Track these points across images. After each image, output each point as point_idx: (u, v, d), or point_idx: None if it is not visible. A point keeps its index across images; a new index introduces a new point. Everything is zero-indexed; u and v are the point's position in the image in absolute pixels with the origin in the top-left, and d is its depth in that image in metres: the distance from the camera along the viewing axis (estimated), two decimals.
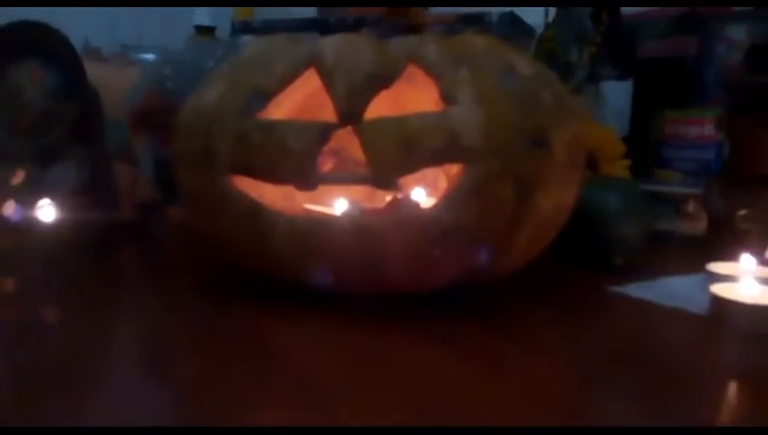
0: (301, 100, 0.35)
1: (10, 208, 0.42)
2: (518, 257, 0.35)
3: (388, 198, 0.34)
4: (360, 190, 0.38)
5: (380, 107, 0.33)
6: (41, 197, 0.42)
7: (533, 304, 0.37)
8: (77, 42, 0.50)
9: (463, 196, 0.31)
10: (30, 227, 0.42)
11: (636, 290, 0.40)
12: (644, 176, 0.69)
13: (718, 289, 0.35)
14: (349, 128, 0.32)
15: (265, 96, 0.33)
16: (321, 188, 0.32)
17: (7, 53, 0.42)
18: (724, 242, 0.45)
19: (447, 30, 0.88)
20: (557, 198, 0.35)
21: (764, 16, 0.71)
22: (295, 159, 0.32)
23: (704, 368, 0.30)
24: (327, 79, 0.33)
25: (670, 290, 0.40)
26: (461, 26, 0.88)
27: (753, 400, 0.27)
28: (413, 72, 0.33)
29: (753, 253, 0.41)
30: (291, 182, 0.32)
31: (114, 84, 0.71)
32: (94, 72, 0.74)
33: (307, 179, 0.32)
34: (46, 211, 0.42)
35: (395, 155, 0.31)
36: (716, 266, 0.40)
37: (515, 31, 0.88)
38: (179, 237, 0.49)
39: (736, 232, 0.46)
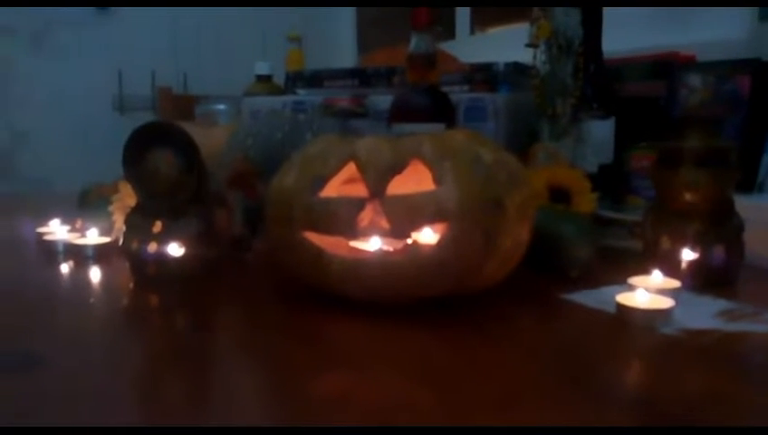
0: (345, 180, 0.54)
1: (153, 248, 0.63)
2: (490, 278, 0.54)
3: (401, 244, 0.53)
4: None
5: (396, 186, 0.52)
6: (172, 240, 0.63)
7: (503, 308, 0.56)
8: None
9: (448, 242, 0.50)
10: (166, 261, 0.63)
11: (579, 297, 0.59)
12: (617, 201, 0.87)
13: (621, 297, 0.53)
14: (376, 200, 0.51)
15: (323, 180, 0.53)
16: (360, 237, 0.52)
17: (148, 143, 0.63)
18: (651, 259, 0.63)
19: (463, 79, 1.06)
20: (513, 239, 0.53)
21: (715, 69, 0.87)
22: (343, 221, 0.51)
23: (607, 353, 0.48)
24: (362, 169, 0.52)
25: (603, 297, 0.58)
26: (474, 75, 1.07)
27: (637, 374, 0.45)
28: (416, 163, 0.52)
29: (663, 269, 0.59)
30: (341, 235, 0.52)
31: (204, 142, 0.92)
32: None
33: (351, 233, 0.52)
34: (176, 250, 0.63)
35: (405, 218, 0.50)
36: (634, 279, 0.58)
37: (519, 75, 1.05)
38: (262, 264, 0.69)
39: (659, 252, 0.63)
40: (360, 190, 0.52)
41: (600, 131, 0.92)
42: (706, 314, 0.54)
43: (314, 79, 1.18)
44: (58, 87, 2.20)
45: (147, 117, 2.28)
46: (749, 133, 0.81)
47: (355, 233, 0.52)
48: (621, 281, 0.60)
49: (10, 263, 0.75)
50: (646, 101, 0.97)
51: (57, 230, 0.82)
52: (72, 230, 0.82)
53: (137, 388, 0.42)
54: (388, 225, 0.51)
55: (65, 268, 0.71)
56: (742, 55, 0.88)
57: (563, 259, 0.64)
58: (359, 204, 0.52)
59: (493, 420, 0.36)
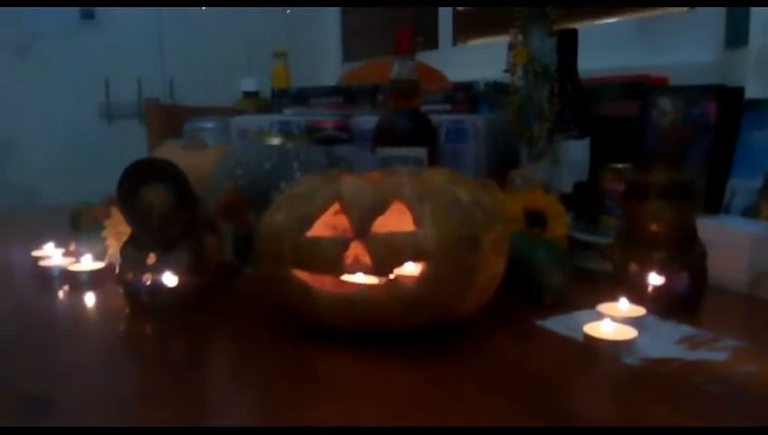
0: (330, 219, 0.57)
1: (147, 279, 0.66)
2: (467, 309, 0.58)
3: (384, 280, 0.56)
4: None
5: (379, 225, 0.55)
6: (166, 271, 0.66)
7: (479, 337, 0.59)
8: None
9: (427, 280, 0.54)
10: (160, 290, 0.66)
11: (552, 323, 0.62)
12: (590, 221, 0.90)
13: (588, 328, 0.56)
14: (360, 240, 0.55)
15: (310, 220, 0.56)
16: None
17: (141, 179, 0.66)
18: (620, 283, 0.67)
19: (444, 99, 1.10)
20: (489, 273, 0.57)
21: (684, 94, 0.91)
22: (329, 260, 0.55)
23: (573, 383, 0.51)
24: (346, 209, 0.56)
25: (573, 323, 0.61)
26: (455, 94, 1.10)
27: (597, 406, 0.49)
28: (397, 205, 0.55)
29: (630, 293, 0.63)
30: (327, 273, 0.55)
31: (194, 165, 0.94)
32: (175, 157, 0.98)
33: (337, 271, 0.55)
34: (170, 279, 0.66)
35: (386, 257, 0.54)
36: (602, 307, 0.62)
37: (499, 94, 1.09)
38: (252, 292, 0.72)
39: (627, 277, 0.67)
40: (343, 227, 0.56)
41: (576, 151, 0.95)
42: (668, 341, 0.57)
43: (300, 97, 1.21)
44: (44, 96, 2.20)
45: (134, 124, 2.31)
46: (716, 157, 0.85)
47: (340, 270, 0.55)
48: (593, 304, 0.63)
49: (8, 290, 0.77)
50: (619, 121, 1.01)
51: (52, 254, 0.84)
52: (67, 254, 0.84)
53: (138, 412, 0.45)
54: (371, 262, 0.54)
55: (62, 295, 0.74)
56: (711, 79, 0.92)
57: (538, 286, 0.68)
58: (343, 243, 0.55)
59: None
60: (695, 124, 0.88)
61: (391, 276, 0.55)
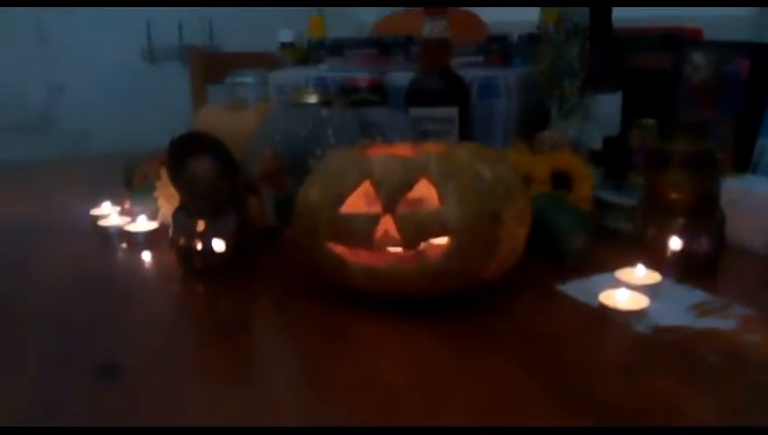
0: (362, 196, 0.62)
1: (198, 244, 0.72)
2: (489, 278, 0.62)
3: (412, 252, 0.61)
4: None
5: (407, 202, 0.59)
6: (215, 236, 0.72)
7: (500, 301, 0.63)
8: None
9: (451, 253, 0.58)
10: (210, 253, 0.72)
11: (571, 288, 0.66)
12: (619, 178, 0.92)
13: (604, 296, 0.60)
14: (389, 215, 0.59)
15: (342, 197, 0.61)
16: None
17: (188, 151, 0.71)
18: (641, 246, 0.70)
19: (477, 51, 1.10)
20: (510, 245, 0.61)
21: (718, 49, 0.91)
22: (361, 234, 0.59)
23: (585, 353, 0.56)
24: (376, 187, 0.60)
25: (591, 288, 0.65)
26: (488, 46, 1.11)
27: (605, 378, 0.53)
28: (423, 182, 0.59)
29: (650, 257, 0.66)
30: (359, 247, 0.60)
31: (235, 126, 0.99)
32: (218, 119, 1.03)
33: (368, 245, 0.60)
34: (218, 244, 0.72)
35: (414, 232, 0.58)
36: (620, 273, 0.65)
37: (533, 45, 1.09)
38: (292, 254, 0.77)
39: (648, 241, 0.70)
40: (375, 204, 0.60)
41: (608, 105, 0.96)
42: (680, 308, 0.61)
43: (335, 48, 1.23)
44: (90, 41, 2.26)
45: (176, 66, 2.35)
46: (746, 115, 0.86)
47: (372, 244, 0.60)
48: (614, 267, 0.67)
49: (73, 249, 0.85)
50: (652, 73, 1.01)
51: (109, 212, 0.91)
52: (123, 213, 0.91)
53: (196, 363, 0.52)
54: (400, 237, 0.59)
55: (121, 255, 0.81)
56: (746, 34, 0.90)
57: (560, 249, 0.71)
58: (374, 219, 0.59)
59: (475, 421, 0.45)
60: (727, 80, 0.88)
61: (420, 248, 0.60)
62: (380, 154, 0.63)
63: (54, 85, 2.28)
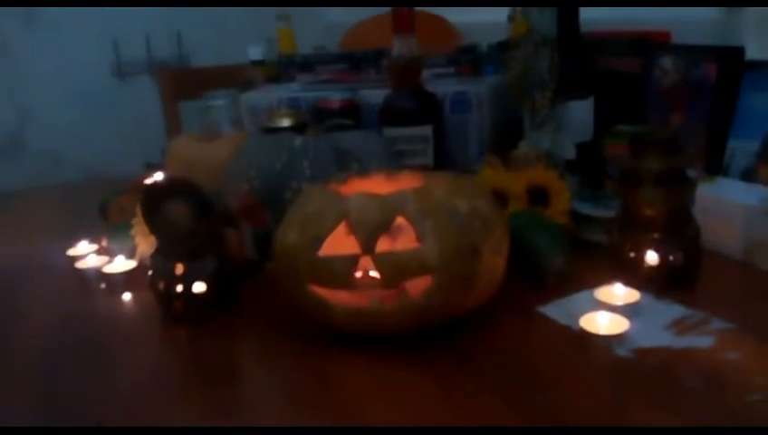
0: (341, 233, 0.62)
1: (178, 287, 0.71)
2: (472, 305, 0.63)
3: (393, 291, 0.61)
4: None
5: (384, 242, 0.59)
6: (194, 279, 0.71)
7: (481, 328, 0.64)
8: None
9: (432, 291, 0.58)
10: (191, 296, 0.71)
11: (552, 310, 0.67)
12: (595, 187, 0.93)
13: (584, 320, 0.61)
14: (368, 256, 0.59)
15: (320, 239, 0.61)
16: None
17: (164, 196, 0.70)
18: (618, 261, 0.71)
19: (448, 62, 1.10)
20: (489, 277, 0.62)
21: (686, 54, 0.91)
22: (341, 276, 0.59)
23: (566, 377, 0.57)
24: (353, 228, 0.60)
25: (571, 309, 0.66)
26: (459, 56, 1.11)
27: (585, 405, 0.54)
28: (400, 220, 0.59)
29: (627, 272, 0.67)
30: (340, 288, 0.60)
31: (208, 156, 0.98)
32: (190, 150, 1.02)
33: (349, 286, 0.60)
34: (198, 286, 0.71)
35: (393, 272, 0.58)
36: (599, 293, 0.66)
37: (503, 53, 1.09)
38: (274, 288, 0.77)
39: (624, 257, 0.71)
40: (352, 244, 0.60)
41: (580, 111, 0.97)
42: (659, 327, 0.62)
43: (306, 65, 1.22)
44: (56, 60, 2.22)
45: (145, 81, 2.32)
46: (715, 119, 0.87)
47: (352, 285, 0.60)
48: (592, 284, 0.68)
49: (52, 294, 0.84)
50: (623, 77, 1.01)
51: (87, 252, 0.90)
52: (100, 252, 0.90)
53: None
54: (380, 277, 0.59)
55: (100, 299, 0.81)
56: (713, 36, 0.91)
57: (540, 269, 0.72)
58: (353, 259, 0.59)
59: None
60: (695, 85, 0.89)
61: (400, 290, 0.60)
62: (356, 192, 0.62)
63: (23, 107, 2.24)
